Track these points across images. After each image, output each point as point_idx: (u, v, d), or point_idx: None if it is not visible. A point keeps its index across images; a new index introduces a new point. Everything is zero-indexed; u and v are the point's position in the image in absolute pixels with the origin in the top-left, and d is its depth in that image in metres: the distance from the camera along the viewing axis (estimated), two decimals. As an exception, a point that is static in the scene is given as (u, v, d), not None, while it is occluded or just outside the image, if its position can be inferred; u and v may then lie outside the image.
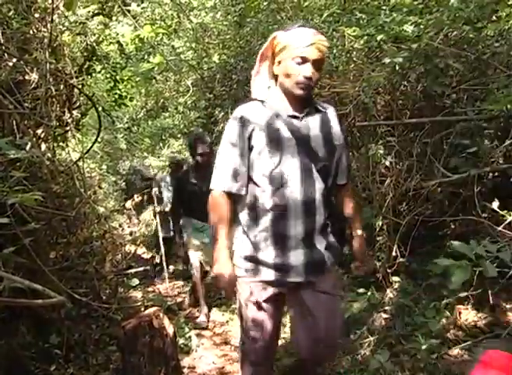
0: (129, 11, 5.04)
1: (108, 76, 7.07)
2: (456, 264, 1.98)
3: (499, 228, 3.08)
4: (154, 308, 3.45)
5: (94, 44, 5.17)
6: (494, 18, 4.03)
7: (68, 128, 4.54)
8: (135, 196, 5.68)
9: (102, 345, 4.23)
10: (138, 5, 6.48)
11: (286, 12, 6.00)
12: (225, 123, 6.70)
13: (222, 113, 7.91)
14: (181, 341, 4.48)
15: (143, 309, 4.58)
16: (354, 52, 4.80)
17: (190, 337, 4.64)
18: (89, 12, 4.74)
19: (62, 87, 4.30)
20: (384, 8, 4.72)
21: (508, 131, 3.57)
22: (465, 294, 3.59)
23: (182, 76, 8.50)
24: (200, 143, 5.02)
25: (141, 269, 4.75)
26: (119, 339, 3.32)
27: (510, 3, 3.74)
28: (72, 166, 4.15)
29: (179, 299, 6.00)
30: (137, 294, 5.89)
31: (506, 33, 3.94)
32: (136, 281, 4.53)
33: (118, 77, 7.64)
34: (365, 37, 4.67)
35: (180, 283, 6.75)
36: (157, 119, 10.88)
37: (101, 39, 5.67)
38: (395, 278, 4.51)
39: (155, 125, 10.72)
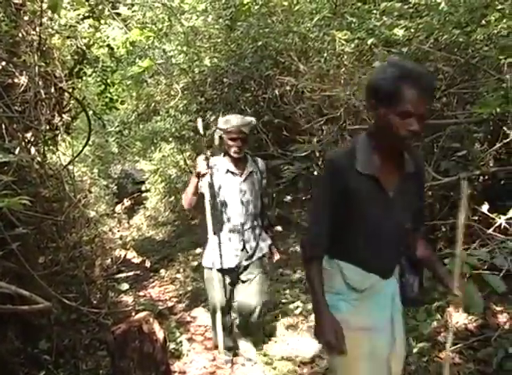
0: (119, 14, 5.02)
1: (98, 79, 7.05)
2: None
3: (489, 231, 3.09)
4: (145, 313, 3.43)
5: (84, 48, 5.14)
6: (483, 22, 4.05)
7: (58, 132, 4.52)
8: (125, 200, 5.62)
9: (92, 350, 4.21)
10: (129, 9, 6.46)
11: (277, 15, 6.00)
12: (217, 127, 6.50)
13: (214, 117, 7.90)
14: (172, 345, 4.45)
15: (134, 314, 4.56)
16: (345, 56, 4.80)
17: (181, 341, 4.62)
18: (78, 15, 4.72)
19: (51, 90, 4.27)
20: (374, 12, 4.75)
21: (498, 134, 3.59)
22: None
23: (173, 79, 8.47)
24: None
25: (131, 273, 4.72)
26: (108, 344, 3.29)
27: (498, 8, 3.76)
28: (62, 170, 4.13)
29: (170, 303, 5.97)
30: (128, 299, 5.86)
31: (495, 38, 3.96)
32: (126, 286, 4.51)
33: (109, 81, 7.62)
34: (356, 41, 4.69)
35: (172, 287, 6.73)
36: (148, 123, 10.85)
37: (91, 42, 5.64)
38: (386, 281, 4.50)
39: (147, 128, 10.69)
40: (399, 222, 2.26)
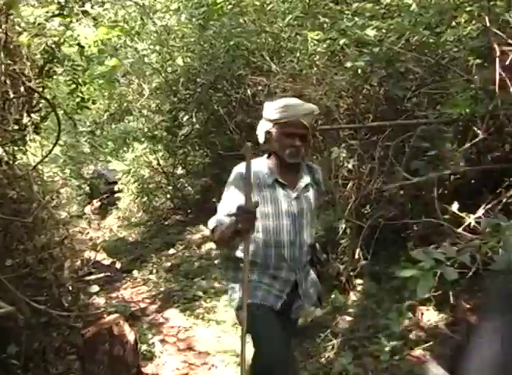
0: (87, 12, 4.95)
1: (68, 79, 6.95)
2: (418, 273, 1.99)
3: (459, 230, 3.13)
4: (115, 316, 3.39)
5: (54, 46, 5.05)
6: (453, 24, 4.11)
7: (26, 132, 4.43)
8: (94, 201, 5.54)
9: (62, 354, 4.13)
10: (100, 6, 6.38)
11: (250, 15, 6.00)
12: (190, 127, 6.42)
13: (187, 117, 7.86)
14: (144, 347, 4.40)
15: (105, 316, 4.50)
16: (317, 56, 4.82)
17: (153, 343, 4.57)
18: (47, 12, 4.63)
19: (20, 89, 4.19)
20: (347, 12, 4.77)
21: (467, 134, 3.64)
22: (427, 295, 3.63)
23: (145, 79, 8.42)
24: None
25: (102, 275, 4.65)
26: (78, 347, 3.25)
27: (467, 10, 3.81)
28: (31, 170, 4.06)
29: (143, 305, 5.91)
30: (100, 301, 5.78)
31: (464, 39, 4.02)
32: (96, 288, 4.44)
33: (80, 80, 7.50)
34: (328, 41, 4.71)
35: (145, 288, 6.66)
36: (120, 123, 10.76)
37: (61, 40, 5.55)
38: (358, 281, 4.54)
39: (119, 128, 10.59)
40: None
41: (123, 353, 3.21)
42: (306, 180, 2.70)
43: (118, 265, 4.48)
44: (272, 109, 2.59)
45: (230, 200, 2.56)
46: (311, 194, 2.73)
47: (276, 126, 2.57)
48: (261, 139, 2.66)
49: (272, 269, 2.61)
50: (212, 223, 2.58)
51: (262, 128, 2.65)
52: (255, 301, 2.56)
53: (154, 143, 9.42)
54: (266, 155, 2.70)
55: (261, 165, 2.64)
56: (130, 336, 3.31)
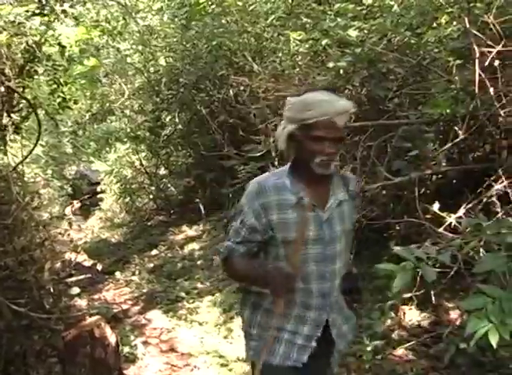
0: (65, 11, 4.90)
1: (49, 78, 6.89)
2: (399, 268, 1.94)
3: (440, 230, 3.15)
4: (96, 318, 3.36)
5: (34, 46, 5.00)
6: (434, 25, 4.14)
7: (6, 132, 4.39)
8: (75, 202, 5.47)
9: (44, 357, 4.09)
10: (82, 6, 6.34)
11: (232, 15, 5.99)
12: (173, 127, 6.40)
13: (170, 117, 7.84)
14: (126, 349, 4.37)
15: (88, 318, 4.46)
16: (299, 56, 4.83)
17: (135, 345, 4.54)
18: (27, 11, 4.58)
19: (0, 89, 4.15)
20: (329, 13, 4.79)
21: (449, 134, 3.67)
22: (409, 295, 3.65)
23: (128, 79, 8.38)
24: None
25: (83, 277, 4.61)
26: (59, 350, 3.21)
27: (448, 11, 3.84)
28: (10, 171, 4.01)
29: (125, 306, 5.87)
30: (82, 303, 5.73)
31: (445, 40, 4.05)
32: (77, 290, 4.39)
33: (61, 80, 7.44)
34: (310, 42, 4.72)
35: (127, 289, 6.62)
36: (103, 123, 10.70)
37: (42, 40, 5.50)
38: (341, 281, 4.55)
39: (101, 129, 10.54)
40: None
41: (105, 355, 3.18)
42: (339, 195, 2.10)
43: (99, 266, 4.44)
44: (296, 106, 1.99)
45: (244, 224, 2.08)
46: (345, 212, 2.12)
47: (302, 127, 1.96)
48: (282, 145, 2.06)
49: (299, 309, 2.09)
50: (224, 251, 2.17)
51: (283, 131, 2.03)
52: (273, 361, 2.06)
53: (136, 143, 9.39)
54: (288, 166, 2.11)
55: (282, 178, 2.06)
56: (112, 338, 3.28)
